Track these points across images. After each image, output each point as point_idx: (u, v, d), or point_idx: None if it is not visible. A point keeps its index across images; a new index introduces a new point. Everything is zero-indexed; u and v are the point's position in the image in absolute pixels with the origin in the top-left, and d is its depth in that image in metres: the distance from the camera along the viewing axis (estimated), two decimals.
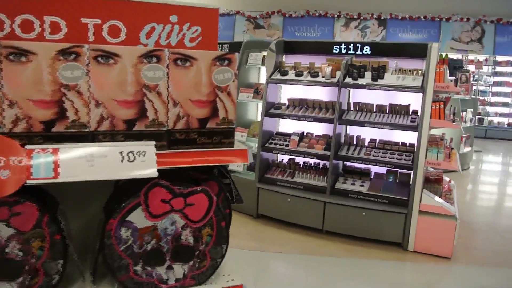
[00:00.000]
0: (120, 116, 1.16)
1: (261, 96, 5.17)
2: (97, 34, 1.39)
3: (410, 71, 4.46)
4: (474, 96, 10.37)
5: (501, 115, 13.27)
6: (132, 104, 1.16)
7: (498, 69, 13.25)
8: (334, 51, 5.01)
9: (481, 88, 13.16)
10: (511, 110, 13.22)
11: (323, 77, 4.75)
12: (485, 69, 13.11)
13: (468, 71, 7.92)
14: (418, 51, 4.50)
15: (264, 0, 14.53)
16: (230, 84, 1.38)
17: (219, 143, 1.35)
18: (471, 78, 8.62)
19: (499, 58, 13.21)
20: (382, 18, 13.75)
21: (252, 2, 14.63)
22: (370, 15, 13.80)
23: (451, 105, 4.47)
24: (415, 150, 4.48)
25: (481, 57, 13.19)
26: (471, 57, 13.24)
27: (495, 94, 13.26)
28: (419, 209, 4.25)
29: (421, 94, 4.31)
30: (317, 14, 14.12)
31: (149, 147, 1.11)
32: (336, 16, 14.05)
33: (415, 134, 4.35)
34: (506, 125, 13.23)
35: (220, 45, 6.06)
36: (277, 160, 5.33)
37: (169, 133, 1.23)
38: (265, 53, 5.10)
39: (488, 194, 7.21)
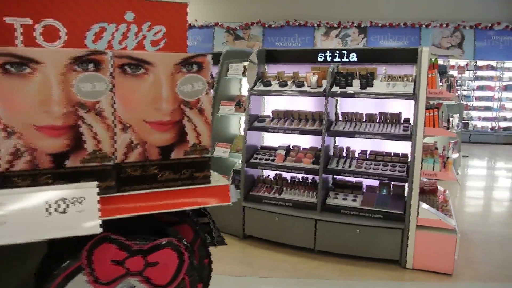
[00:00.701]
0: (44, 149, 0.83)
1: (243, 109, 4.87)
2: (26, 37, 1.06)
3: (400, 77, 4.23)
4: (460, 101, 10.27)
5: (484, 119, 13.26)
6: (62, 131, 0.82)
7: (479, 73, 13.27)
8: (319, 59, 4.75)
9: (464, 93, 13.14)
10: (494, 114, 13.22)
11: (308, 86, 4.48)
12: (466, 74, 13.11)
13: (452, 76, 7.79)
14: (408, 56, 4.28)
15: (243, 11, 14.34)
16: (202, 97, 1.04)
17: (189, 178, 1.02)
18: (455, 83, 8.51)
19: (480, 63, 13.24)
20: (363, 26, 13.68)
21: (231, 13, 14.42)
22: (350, 23, 13.71)
23: (442, 112, 4.25)
24: (409, 160, 4.23)
25: (462, 62, 13.19)
26: (452, 62, 13.23)
27: (477, 98, 13.26)
28: (417, 223, 3.97)
29: (412, 101, 4.07)
30: (297, 24, 13.97)
31: (88, 190, 0.78)
32: (316, 25, 13.93)
33: (408, 143, 4.10)
34: (489, 129, 13.22)
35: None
36: (263, 176, 5.01)
37: (117, 169, 0.89)
38: (246, 63, 4.81)
39: (481, 201, 7.02)
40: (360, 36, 13.73)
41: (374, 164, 4.33)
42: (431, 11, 13.40)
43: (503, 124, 13.20)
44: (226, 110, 4.99)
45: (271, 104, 5.05)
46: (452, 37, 13.42)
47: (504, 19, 13.23)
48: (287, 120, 4.69)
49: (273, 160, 4.67)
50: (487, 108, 13.24)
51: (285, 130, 4.54)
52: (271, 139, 5.07)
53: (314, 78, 4.40)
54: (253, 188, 4.86)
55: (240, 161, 4.76)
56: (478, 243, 4.85)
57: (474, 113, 13.23)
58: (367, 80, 4.22)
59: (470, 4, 13.37)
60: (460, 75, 12.36)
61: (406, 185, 4.13)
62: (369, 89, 4.21)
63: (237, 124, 5.35)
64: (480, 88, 13.22)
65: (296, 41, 13.94)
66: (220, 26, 14.45)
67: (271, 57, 4.96)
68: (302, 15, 13.97)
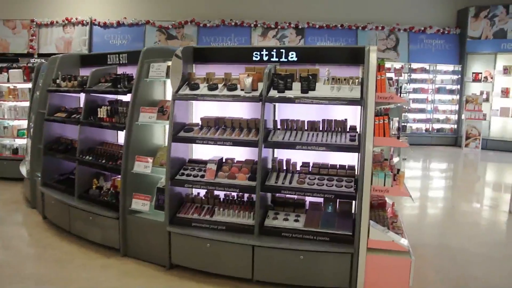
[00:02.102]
0: None
1: (167, 116, 4.15)
2: None
3: (345, 80, 3.72)
4: (398, 104, 10.16)
5: (419, 121, 13.44)
6: None
7: (414, 76, 13.43)
8: (254, 58, 4.15)
9: (403, 96, 13.21)
10: (427, 116, 13.44)
11: (242, 90, 3.85)
12: (402, 76, 13.21)
13: (391, 78, 7.56)
14: (353, 56, 3.79)
15: (177, 9, 13.50)
16: None
17: None
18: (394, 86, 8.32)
19: (414, 65, 13.40)
20: (300, 27, 13.37)
21: (163, 11, 13.52)
22: (288, 24, 13.35)
23: (391, 118, 3.81)
24: (357, 174, 3.73)
25: (397, 65, 13.28)
26: (387, 65, 13.26)
27: (413, 101, 13.41)
28: (367, 246, 3.48)
29: (359, 107, 3.57)
30: (233, 24, 13.37)
31: None
32: (253, 25, 13.41)
33: (355, 154, 3.61)
34: (424, 131, 13.42)
35: (118, 54, 4.96)
36: (192, 194, 4.31)
37: None
38: (170, 63, 4.09)
39: (425, 208, 6.79)
40: (297, 37, 13.40)
41: (318, 179, 3.79)
42: (367, 13, 13.38)
43: (437, 126, 13.46)
44: (147, 117, 4.24)
45: (201, 110, 4.37)
46: (387, 40, 13.48)
47: (435, 23, 13.50)
48: (219, 129, 4.03)
49: (202, 176, 3.99)
50: (421, 110, 13.43)
51: (215, 141, 3.87)
52: (202, 151, 4.38)
53: (248, 81, 3.78)
54: (180, 208, 4.15)
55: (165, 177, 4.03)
56: (429, 258, 4.48)
57: (410, 115, 13.37)
58: (309, 82, 3.67)
59: (404, 7, 13.51)
60: (397, 78, 12.40)
61: (355, 202, 3.62)
62: (311, 93, 3.67)
63: (161, 133, 4.60)
64: (415, 90, 13.38)
65: (233, 41, 13.33)
66: (151, 24, 13.49)
67: (199, 55, 4.29)
68: (238, 14, 13.39)
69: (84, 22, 13.41)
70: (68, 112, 5.25)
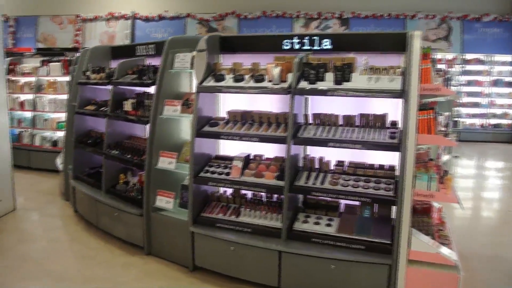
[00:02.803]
0: None
1: (192, 110, 3.90)
2: None
3: (385, 69, 3.31)
4: (449, 98, 9.44)
5: (474, 116, 12.51)
6: None
7: (468, 67, 12.50)
8: (285, 47, 3.82)
9: (453, 88, 12.35)
10: (483, 111, 12.48)
11: (270, 81, 3.53)
12: (455, 68, 12.33)
13: (441, 70, 6.95)
14: (394, 43, 3.36)
15: (217, 1, 13.32)
16: None
17: None
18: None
19: (468, 56, 12.46)
20: (344, 17, 12.79)
21: (204, 3, 13.38)
22: (331, 14, 12.81)
23: (439, 113, 3.37)
24: (397, 175, 3.33)
25: (449, 56, 12.40)
26: (439, 56, 12.42)
27: (467, 94, 12.49)
28: (408, 257, 3.08)
29: (401, 100, 3.16)
30: (274, 15, 13.01)
31: None
32: (294, 16, 12.98)
33: (396, 153, 3.20)
34: (478, 127, 12.48)
35: (146, 45, 4.78)
36: (218, 192, 4.06)
37: None
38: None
39: (478, 212, 6.18)
40: (341, 28, 12.83)
41: (354, 180, 3.41)
42: (417, 1, 12.57)
43: (493, 121, 12.46)
44: (171, 111, 4.02)
45: (228, 103, 4.10)
46: (438, 29, 12.61)
47: (492, 10, 12.46)
48: (246, 123, 3.75)
49: (228, 174, 3.72)
50: (476, 105, 12.48)
51: (241, 137, 3.59)
52: (230, 147, 4.12)
53: (276, 71, 3.46)
54: (205, 207, 3.91)
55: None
56: (483, 273, 3.98)
57: (463, 110, 12.46)
58: (343, 73, 3.30)
59: None
60: (448, 69, 11.57)
61: (395, 207, 3.22)
62: (345, 85, 3.29)
63: (188, 128, 4.36)
64: (469, 83, 12.45)
65: (274, 33, 12.97)
66: (192, 17, 13.40)
67: (226, 45, 4.01)
68: (279, 5, 13.01)
69: (126, 16, 13.54)
70: (98, 105, 5.15)
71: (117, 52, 5.47)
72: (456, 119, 12.11)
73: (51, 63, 7.79)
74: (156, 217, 4.11)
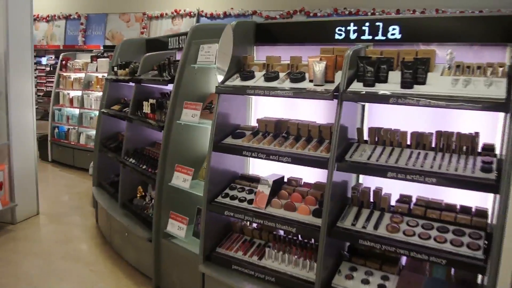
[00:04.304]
0: None
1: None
2: None
3: (479, 68, 2.24)
4: None
5: None
6: None
7: None
8: (337, 36, 2.87)
9: None
10: None
11: (311, 81, 2.60)
12: None
13: None
14: (494, 29, 2.28)
15: None
16: None
17: None
18: None
19: None
20: (426, 15, 11.30)
21: (271, 0, 12.61)
22: (412, 11, 11.38)
23: None
24: (490, 223, 2.25)
25: None
26: None
27: None
28: None
29: (504, 115, 2.08)
30: (346, 12, 11.86)
31: None
32: (369, 13, 11.74)
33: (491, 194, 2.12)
34: None
35: (177, 37, 4.07)
36: (242, 221, 3.19)
37: None
38: None
39: None
40: None
41: (423, 227, 2.36)
42: None
43: None
44: (190, 116, 3.22)
45: (263, 108, 3.23)
46: None
47: None
48: (278, 136, 2.84)
49: (251, 201, 2.84)
50: None
51: (268, 155, 2.68)
52: (262, 163, 3.25)
53: (319, 67, 2.51)
54: (223, 240, 3.07)
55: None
56: None
57: None
58: (415, 71, 2.27)
59: None
60: None
61: (486, 273, 2.14)
62: (418, 89, 2.26)
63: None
64: None
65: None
66: (258, 14, 12.64)
67: (263, 34, 3.14)
68: (353, 2, 11.85)
69: (192, 13, 13.16)
70: (124, 104, 4.53)
71: (151, 45, 4.83)
72: None
73: (99, 59, 7.42)
74: (166, 244, 3.35)
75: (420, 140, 2.48)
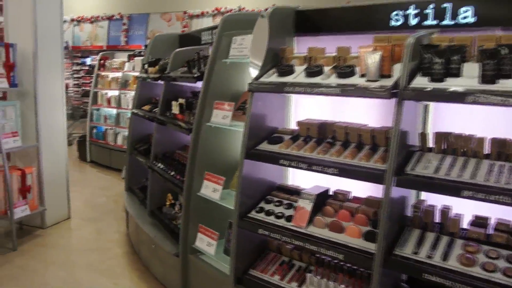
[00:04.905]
0: None
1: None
2: None
3: None
4: None
5: None
6: None
7: None
8: (394, 22, 2.40)
9: None
10: None
11: (363, 76, 2.14)
12: None
13: None
14: None
15: None
16: None
17: None
18: None
19: None
20: None
21: None
22: None
23: None
24: None
25: None
26: None
27: None
28: None
29: None
30: None
31: None
32: None
33: None
34: None
35: (211, 30, 3.73)
36: (280, 238, 2.77)
37: None
38: None
39: None
40: None
41: (509, 259, 1.86)
42: None
43: None
44: (221, 117, 2.84)
45: (306, 109, 2.80)
46: None
47: None
48: (323, 142, 2.41)
49: (290, 218, 2.42)
50: None
51: (310, 165, 2.25)
52: (302, 172, 2.81)
53: (373, 59, 2.05)
54: (257, 261, 2.67)
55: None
56: None
57: None
58: (498, 61, 1.77)
59: None
60: None
61: None
62: (503, 84, 1.76)
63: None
64: None
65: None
66: None
67: (304, 23, 2.71)
68: None
69: (233, 11, 12.86)
70: (155, 104, 4.23)
71: (185, 40, 4.51)
72: None
73: (136, 57, 7.24)
74: (194, 261, 3.00)
75: (502, 149, 1.97)
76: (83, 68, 14.04)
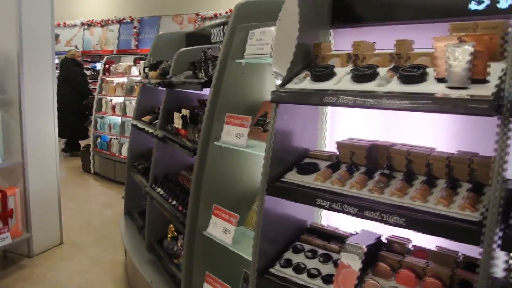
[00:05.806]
0: None
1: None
2: None
3: None
4: None
5: None
6: None
7: None
8: (475, 5, 1.70)
9: None
10: None
11: (440, 80, 1.45)
12: None
13: None
14: None
15: None
16: None
17: None
18: None
19: None
20: None
21: None
22: None
23: None
24: None
25: None
26: None
27: None
28: None
29: None
30: None
31: None
32: None
33: None
34: None
35: (222, 26, 3.09)
36: None
37: None
38: None
39: None
40: None
41: None
42: None
43: None
44: (234, 135, 2.17)
45: (340, 124, 2.12)
46: None
47: None
48: (375, 173, 1.72)
49: (328, 279, 1.74)
50: None
51: (360, 210, 1.57)
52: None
53: (462, 55, 1.37)
54: None
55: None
56: None
57: None
58: None
59: None
60: None
61: None
62: None
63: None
64: None
65: None
66: None
67: (344, 10, 2.04)
68: None
69: None
70: (156, 115, 3.60)
71: (193, 40, 3.88)
72: None
73: (142, 61, 6.65)
74: None
75: None
76: (93, 73, 13.58)
